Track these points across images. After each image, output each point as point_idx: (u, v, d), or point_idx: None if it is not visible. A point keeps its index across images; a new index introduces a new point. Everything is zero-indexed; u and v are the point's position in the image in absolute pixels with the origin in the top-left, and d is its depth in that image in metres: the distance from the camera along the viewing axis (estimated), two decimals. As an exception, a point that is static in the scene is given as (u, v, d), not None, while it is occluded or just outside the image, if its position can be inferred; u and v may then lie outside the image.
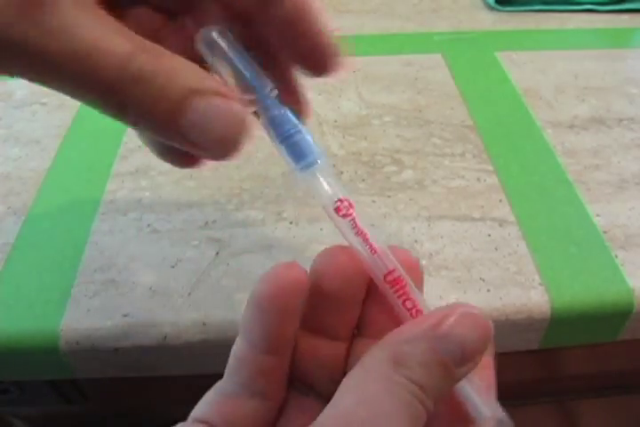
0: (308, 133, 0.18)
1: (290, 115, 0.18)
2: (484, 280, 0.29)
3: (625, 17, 0.50)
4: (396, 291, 0.18)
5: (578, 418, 0.49)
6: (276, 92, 0.19)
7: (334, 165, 0.36)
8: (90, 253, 0.31)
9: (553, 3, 0.51)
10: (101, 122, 0.40)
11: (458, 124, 0.39)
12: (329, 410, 0.15)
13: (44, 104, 0.42)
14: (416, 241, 0.31)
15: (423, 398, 0.15)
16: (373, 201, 0.33)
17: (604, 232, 0.31)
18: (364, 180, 0.35)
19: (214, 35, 0.18)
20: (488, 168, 0.36)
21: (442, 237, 0.31)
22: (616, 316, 0.29)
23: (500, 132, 0.38)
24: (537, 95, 0.42)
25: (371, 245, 0.18)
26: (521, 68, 0.44)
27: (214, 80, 0.17)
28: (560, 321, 0.29)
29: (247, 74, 0.18)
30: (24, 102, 0.42)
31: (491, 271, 0.30)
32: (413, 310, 0.18)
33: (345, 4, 0.53)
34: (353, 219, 0.18)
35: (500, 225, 0.32)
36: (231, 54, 0.18)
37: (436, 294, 0.29)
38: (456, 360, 0.16)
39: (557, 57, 0.46)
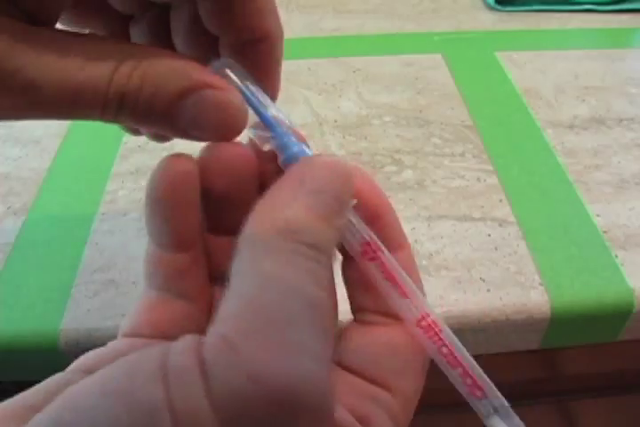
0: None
1: (308, 152, 0.18)
2: (483, 280, 0.29)
3: (625, 17, 0.50)
4: (431, 337, 0.17)
5: (578, 418, 0.49)
6: (292, 128, 0.18)
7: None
8: (90, 253, 0.31)
9: (553, 3, 0.51)
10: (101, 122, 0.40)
11: (458, 124, 0.39)
12: (232, 300, 0.14)
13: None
14: (416, 241, 0.31)
15: (323, 260, 0.15)
16: (373, 201, 0.33)
17: (604, 232, 0.31)
18: (364, 180, 0.35)
19: (226, 69, 0.18)
20: (488, 168, 0.36)
21: (442, 237, 0.31)
22: (616, 316, 0.29)
23: (500, 132, 0.38)
24: (537, 95, 0.42)
25: (401, 288, 0.17)
26: (521, 68, 0.44)
27: (200, 70, 0.17)
28: (560, 321, 0.29)
29: (262, 111, 0.18)
30: (24, 102, 0.42)
31: (491, 271, 0.30)
32: (450, 357, 0.17)
33: (345, 3, 0.53)
34: (381, 262, 0.17)
35: (500, 225, 0.32)
36: (244, 89, 0.18)
37: (436, 294, 0.29)
38: (334, 211, 0.15)
39: (557, 57, 0.46)
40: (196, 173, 0.17)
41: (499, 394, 0.17)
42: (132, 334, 0.17)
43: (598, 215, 0.32)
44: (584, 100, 0.41)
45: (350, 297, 0.19)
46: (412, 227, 0.32)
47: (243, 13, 0.18)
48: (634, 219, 0.32)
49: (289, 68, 0.44)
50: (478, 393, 0.17)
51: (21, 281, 0.30)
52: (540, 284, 0.29)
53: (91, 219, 0.33)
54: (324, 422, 0.13)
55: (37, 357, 0.28)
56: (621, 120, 0.39)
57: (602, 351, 0.40)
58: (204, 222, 0.19)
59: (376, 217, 0.18)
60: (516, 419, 0.17)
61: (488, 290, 0.29)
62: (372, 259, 0.17)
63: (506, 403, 0.17)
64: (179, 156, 0.17)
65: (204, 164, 0.18)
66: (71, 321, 0.28)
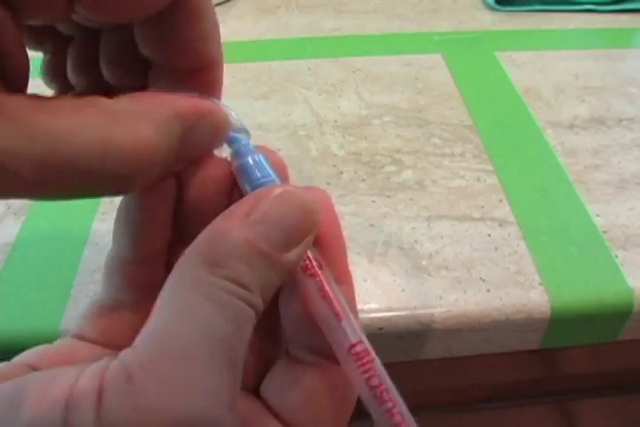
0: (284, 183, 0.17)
1: (264, 162, 0.17)
2: (484, 280, 0.29)
3: (625, 17, 0.50)
4: (361, 366, 0.16)
5: (578, 418, 0.49)
6: (249, 138, 0.18)
7: (334, 166, 0.36)
8: (90, 253, 0.31)
9: (553, 3, 0.51)
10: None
11: (458, 124, 0.39)
12: (145, 328, 0.14)
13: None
14: (416, 241, 0.31)
15: (247, 297, 0.14)
16: (373, 201, 0.33)
17: (604, 232, 0.31)
18: (364, 180, 0.35)
19: None
20: (488, 168, 0.36)
21: (442, 237, 0.31)
22: (616, 316, 0.29)
23: (500, 132, 0.38)
24: (537, 95, 0.42)
25: (337, 309, 0.16)
26: (521, 68, 0.44)
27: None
28: (560, 321, 0.29)
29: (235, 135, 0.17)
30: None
31: (491, 271, 0.30)
32: (378, 390, 0.15)
33: (345, 3, 0.53)
34: (320, 280, 0.16)
35: (500, 225, 0.32)
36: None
37: (436, 294, 0.29)
38: (278, 245, 0.15)
39: (557, 57, 0.46)
40: (171, 192, 0.17)
41: None
42: (79, 337, 0.17)
43: (598, 215, 0.32)
44: (584, 100, 0.41)
45: (285, 329, 0.18)
46: (412, 227, 0.32)
47: (185, 39, 0.16)
48: (634, 219, 0.32)
49: (289, 68, 0.45)
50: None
51: (21, 281, 0.30)
52: (540, 284, 0.29)
53: (91, 219, 0.33)
54: None
55: (37, 357, 0.28)
56: (621, 120, 0.39)
57: (602, 351, 0.40)
58: (172, 235, 0.18)
59: (326, 247, 0.17)
60: None
61: (488, 290, 0.29)
62: (312, 275, 0.16)
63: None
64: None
65: (183, 174, 0.17)
66: (71, 321, 0.28)
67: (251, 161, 0.17)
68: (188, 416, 0.12)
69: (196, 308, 0.13)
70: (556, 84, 0.43)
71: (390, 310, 0.28)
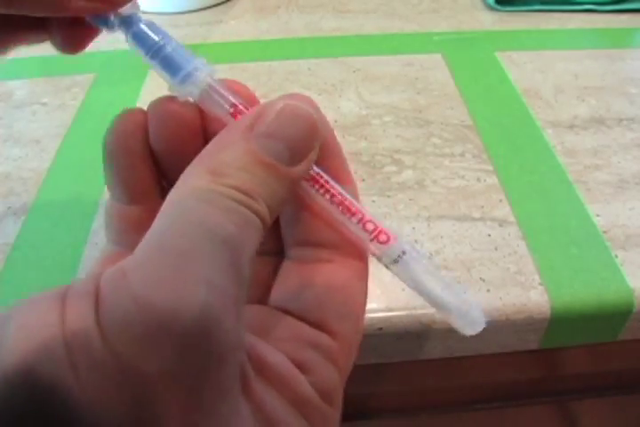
0: (180, 46, 0.17)
1: (156, 26, 0.17)
2: (484, 280, 0.29)
3: (625, 17, 0.50)
4: (318, 189, 0.17)
5: (578, 418, 0.49)
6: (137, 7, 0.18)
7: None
8: (90, 254, 0.31)
9: (553, 3, 0.51)
10: (101, 122, 0.40)
11: (458, 124, 0.39)
12: (146, 235, 0.13)
13: (44, 104, 0.42)
14: (416, 241, 0.31)
15: (252, 204, 0.14)
16: (373, 201, 0.33)
17: (604, 232, 0.31)
18: (364, 180, 0.35)
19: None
20: (488, 168, 0.36)
21: (442, 237, 0.31)
22: (616, 316, 0.29)
23: (500, 132, 0.38)
24: (537, 95, 0.42)
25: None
26: (521, 68, 0.44)
27: None
28: (560, 321, 0.29)
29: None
30: (24, 102, 0.42)
31: (491, 271, 0.30)
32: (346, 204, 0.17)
33: (345, 3, 0.53)
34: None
35: (500, 225, 0.32)
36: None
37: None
38: (283, 159, 0.15)
39: (557, 57, 0.46)
40: (143, 125, 0.17)
41: (401, 235, 0.17)
42: None
43: (598, 215, 0.32)
44: (584, 100, 0.41)
45: (285, 232, 0.18)
46: (411, 227, 0.32)
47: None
48: (634, 219, 0.32)
49: (289, 68, 0.45)
50: (382, 238, 0.17)
51: (21, 281, 0.30)
52: (540, 284, 0.29)
53: (91, 219, 0.33)
54: (227, 357, 0.13)
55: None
56: (621, 120, 0.39)
57: (602, 351, 0.40)
58: (161, 179, 0.18)
59: (324, 149, 0.17)
60: (423, 252, 0.17)
61: (488, 290, 0.29)
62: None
63: (413, 244, 0.17)
64: (129, 110, 0.18)
65: (151, 118, 0.17)
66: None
67: (143, 27, 0.17)
68: (186, 307, 0.12)
69: (197, 210, 0.13)
70: (556, 84, 0.43)
71: (390, 310, 0.28)
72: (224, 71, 0.44)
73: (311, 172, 0.16)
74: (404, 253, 0.17)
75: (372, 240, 0.17)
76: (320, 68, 0.45)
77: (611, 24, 0.49)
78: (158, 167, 0.18)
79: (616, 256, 0.30)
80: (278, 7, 0.52)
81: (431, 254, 0.30)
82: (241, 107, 0.17)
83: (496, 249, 0.31)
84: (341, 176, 0.17)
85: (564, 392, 0.46)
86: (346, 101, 0.41)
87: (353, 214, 0.17)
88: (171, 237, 0.13)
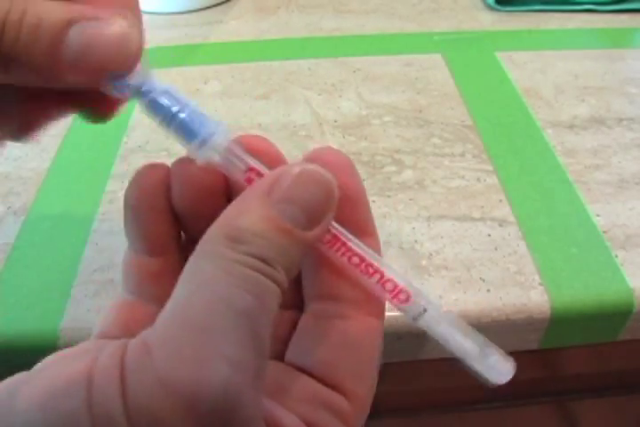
0: (196, 110, 0.17)
1: (172, 92, 0.17)
2: (484, 280, 0.29)
3: (625, 17, 0.50)
4: (338, 249, 0.17)
5: (578, 418, 0.49)
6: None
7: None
8: (90, 253, 0.31)
9: (553, 3, 0.51)
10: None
11: (458, 124, 0.39)
12: (166, 306, 0.14)
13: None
14: (416, 241, 0.31)
15: (269, 272, 0.14)
16: (373, 201, 0.33)
17: (604, 232, 0.31)
18: (364, 180, 0.35)
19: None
20: (488, 168, 0.36)
21: (442, 237, 0.31)
22: (616, 316, 0.29)
23: (500, 132, 0.38)
24: (537, 95, 0.42)
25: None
26: (521, 68, 0.44)
27: (89, 8, 0.16)
28: (560, 321, 0.29)
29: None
30: (24, 102, 0.42)
31: (491, 271, 0.30)
32: (364, 265, 0.17)
33: (345, 3, 0.53)
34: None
35: (500, 225, 0.32)
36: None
37: (436, 294, 0.29)
38: (300, 223, 0.15)
39: (557, 57, 0.46)
40: (165, 181, 0.17)
41: (422, 293, 0.17)
42: (103, 336, 0.17)
43: (598, 215, 0.32)
44: (584, 100, 0.41)
45: (305, 284, 0.18)
46: (412, 227, 0.32)
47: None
48: (634, 219, 0.32)
49: (289, 68, 0.44)
50: (402, 297, 0.17)
51: (21, 281, 0.30)
52: (540, 284, 0.29)
53: (91, 219, 0.33)
54: None
55: (37, 357, 0.28)
56: (621, 120, 0.39)
57: (602, 351, 0.40)
58: (181, 232, 0.19)
59: (352, 204, 0.17)
60: (445, 311, 0.17)
61: (488, 290, 0.29)
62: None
63: (434, 301, 0.17)
64: (152, 165, 0.18)
65: (174, 175, 0.18)
66: (71, 321, 0.28)
67: (158, 96, 0.17)
68: (210, 386, 0.12)
69: (215, 281, 0.13)
70: (556, 84, 0.43)
71: (390, 309, 0.28)
72: (224, 71, 0.44)
73: (331, 229, 0.16)
74: (425, 310, 0.17)
75: (392, 299, 0.17)
76: (320, 68, 0.45)
77: (611, 24, 0.49)
78: (178, 220, 0.18)
79: (616, 256, 0.30)
80: (278, 7, 0.52)
81: (431, 254, 0.30)
82: (258, 169, 0.17)
83: (496, 249, 0.31)
84: (364, 228, 0.17)
85: (564, 392, 0.46)
86: (346, 101, 0.41)
87: (372, 275, 0.17)
88: (191, 309, 0.13)
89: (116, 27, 0.15)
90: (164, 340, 0.13)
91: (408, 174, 0.35)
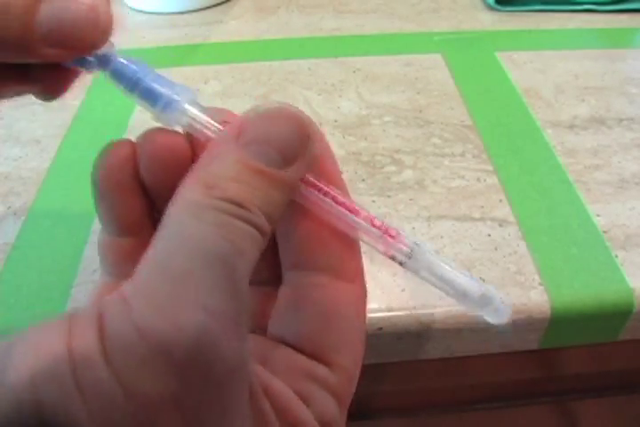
0: (159, 76, 0.17)
1: (133, 61, 0.17)
2: (484, 280, 0.29)
3: (625, 17, 0.50)
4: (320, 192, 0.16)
5: (578, 418, 0.49)
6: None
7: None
8: (90, 254, 0.31)
9: (553, 3, 0.51)
10: (101, 122, 0.40)
11: (458, 124, 0.39)
12: (144, 257, 0.13)
13: (43, 104, 0.42)
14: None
15: (246, 215, 0.14)
16: (373, 201, 0.33)
17: (604, 232, 0.31)
18: (364, 180, 0.35)
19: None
20: (488, 168, 0.36)
21: (442, 237, 0.31)
22: (616, 316, 0.29)
23: (500, 132, 0.38)
24: (537, 95, 0.42)
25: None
26: (521, 68, 0.44)
27: None
28: (560, 321, 0.29)
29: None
30: (24, 102, 0.42)
31: (491, 271, 0.30)
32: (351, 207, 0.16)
33: (345, 3, 0.53)
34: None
35: (500, 225, 0.32)
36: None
37: (436, 295, 0.28)
38: (275, 162, 0.14)
39: (557, 57, 0.46)
40: (131, 157, 0.17)
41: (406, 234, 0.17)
42: None
43: (598, 215, 0.32)
44: (584, 100, 0.41)
45: (282, 255, 0.18)
46: (411, 227, 0.32)
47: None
48: (634, 219, 0.32)
49: (289, 68, 0.45)
50: (392, 232, 0.17)
51: (21, 281, 0.30)
52: (540, 284, 0.29)
53: (91, 219, 0.33)
54: (227, 379, 0.13)
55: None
56: (621, 120, 0.39)
57: (602, 351, 0.40)
58: (152, 208, 0.18)
59: (317, 159, 0.16)
60: (428, 246, 0.17)
61: (488, 290, 0.29)
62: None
63: (416, 241, 0.17)
64: (116, 143, 0.18)
65: (140, 148, 0.17)
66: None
67: (120, 64, 0.17)
68: (186, 334, 0.12)
69: (190, 229, 0.13)
70: (556, 84, 0.43)
71: (390, 309, 0.28)
72: (224, 71, 0.44)
73: (308, 176, 0.16)
74: (416, 244, 0.17)
75: (382, 236, 0.16)
76: (320, 68, 0.45)
77: (611, 24, 0.49)
78: (149, 197, 0.18)
79: (616, 256, 0.30)
80: (278, 7, 0.52)
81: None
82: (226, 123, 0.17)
83: (496, 249, 0.31)
84: (334, 179, 0.17)
85: (564, 392, 0.46)
86: (346, 101, 0.41)
87: (358, 213, 0.16)
88: (167, 258, 0.13)
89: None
90: (140, 290, 0.13)
91: (408, 174, 0.35)
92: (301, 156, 0.15)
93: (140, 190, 0.18)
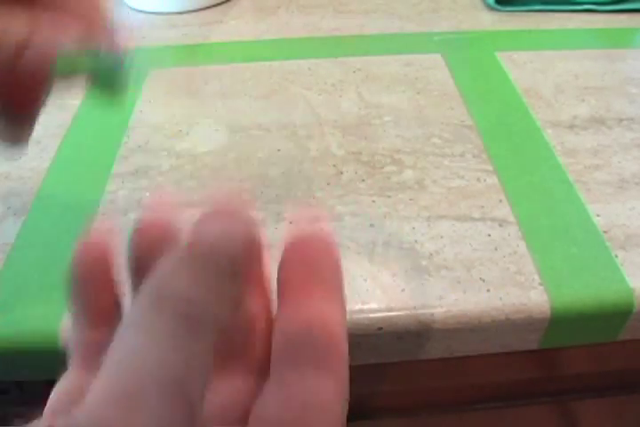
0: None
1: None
2: (483, 280, 0.29)
3: (625, 17, 0.50)
4: None
5: (578, 418, 0.49)
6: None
7: (334, 166, 0.36)
8: (90, 253, 0.31)
9: (553, 3, 0.51)
10: (101, 122, 0.40)
11: (458, 124, 0.39)
12: (96, 381, 0.13)
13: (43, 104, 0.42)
14: (416, 241, 0.31)
15: (199, 333, 0.13)
16: (373, 201, 0.34)
17: (604, 232, 0.31)
18: (363, 180, 0.35)
19: None
20: (488, 168, 0.36)
21: (442, 237, 0.31)
22: (616, 316, 0.29)
23: (500, 132, 0.38)
24: (537, 95, 0.42)
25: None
26: (521, 68, 0.44)
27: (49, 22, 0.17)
28: (560, 321, 0.29)
29: None
30: (24, 102, 0.42)
31: (491, 271, 0.30)
32: None
33: (345, 3, 0.53)
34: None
35: (500, 225, 0.32)
36: None
37: (436, 295, 0.29)
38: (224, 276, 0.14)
39: (557, 57, 0.46)
40: (108, 251, 0.18)
41: None
42: (52, 410, 0.17)
43: (598, 215, 0.32)
44: (584, 100, 0.41)
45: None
46: (411, 227, 0.32)
47: None
48: (634, 219, 0.32)
49: (289, 68, 0.45)
50: None
51: (21, 281, 0.30)
52: (540, 284, 0.29)
53: (90, 219, 0.33)
54: None
55: (37, 357, 0.28)
56: (621, 120, 0.39)
57: (602, 351, 0.40)
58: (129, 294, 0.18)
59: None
60: None
61: (488, 290, 0.29)
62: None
63: None
64: (90, 240, 0.18)
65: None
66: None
67: None
68: None
69: (141, 351, 0.13)
70: (556, 84, 0.43)
71: (390, 309, 0.28)
72: (224, 71, 0.44)
73: None
74: None
75: None
76: (320, 68, 0.45)
77: (610, 24, 0.49)
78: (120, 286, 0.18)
79: (616, 256, 0.30)
80: (278, 7, 0.52)
81: (431, 254, 0.30)
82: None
83: (496, 249, 0.31)
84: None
85: (564, 392, 0.46)
86: (346, 101, 0.41)
87: None
88: (117, 385, 0.13)
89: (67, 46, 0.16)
90: (92, 421, 0.12)
91: (408, 174, 0.35)
92: (249, 268, 0.15)
93: (112, 281, 0.18)
